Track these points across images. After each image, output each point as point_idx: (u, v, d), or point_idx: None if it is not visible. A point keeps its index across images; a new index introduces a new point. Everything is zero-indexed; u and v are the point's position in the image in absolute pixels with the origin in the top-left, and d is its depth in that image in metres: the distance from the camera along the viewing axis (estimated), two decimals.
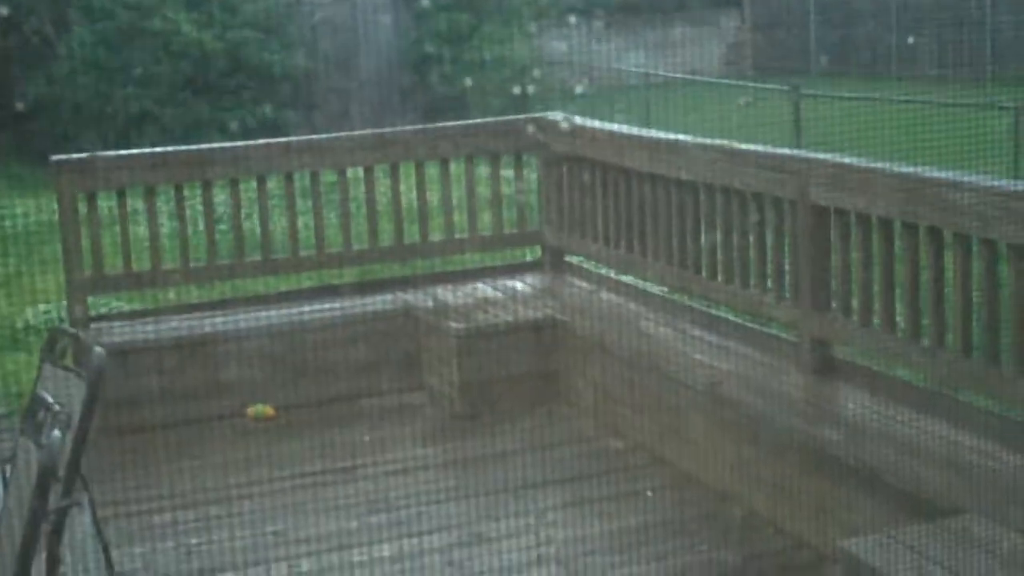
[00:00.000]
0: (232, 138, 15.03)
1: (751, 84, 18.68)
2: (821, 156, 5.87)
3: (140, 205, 7.43)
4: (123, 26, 17.98)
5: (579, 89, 19.16)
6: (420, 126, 9.46)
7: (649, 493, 5.79)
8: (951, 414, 5.14)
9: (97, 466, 5.23)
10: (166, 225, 8.01)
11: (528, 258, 8.09)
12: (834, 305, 5.72)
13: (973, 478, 4.63)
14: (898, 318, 5.38)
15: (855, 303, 5.60)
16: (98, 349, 3.89)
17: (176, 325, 7.15)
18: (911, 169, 5.37)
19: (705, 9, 25.02)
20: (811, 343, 5.80)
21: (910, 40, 21.89)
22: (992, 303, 4.92)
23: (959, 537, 4.19)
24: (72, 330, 5.20)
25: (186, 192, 7.30)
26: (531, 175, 7.90)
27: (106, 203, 7.29)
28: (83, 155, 7.31)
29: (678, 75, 19.75)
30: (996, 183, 5.01)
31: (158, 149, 7.83)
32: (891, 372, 5.63)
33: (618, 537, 5.37)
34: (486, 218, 7.76)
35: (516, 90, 18.06)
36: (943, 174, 5.17)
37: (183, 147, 8.09)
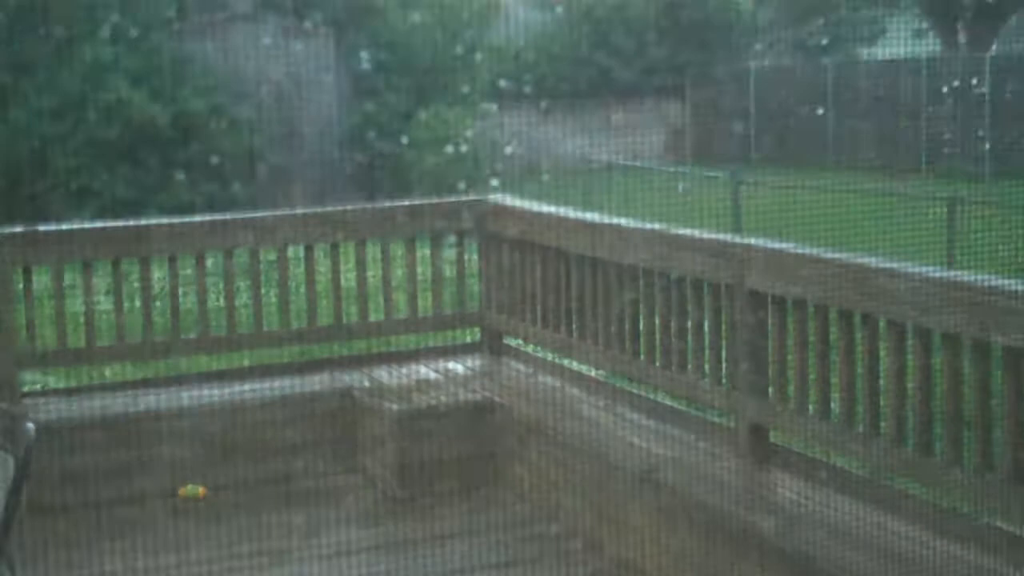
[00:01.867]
0: (172, 212, 14.97)
1: (691, 170, 18.88)
2: (758, 242, 5.92)
3: (77, 280, 7.36)
4: (70, 95, 17.90)
5: (521, 170, 19.28)
6: (362, 205, 9.48)
7: None
8: (886, 501, 5.16)
9: (24, 545, 5.14)
10: (102, 301, 7.93)
11: (467, 340, 8.07)
12: (771, 391, 5.74)
13: (907, 566, 4.64)
14: (833, 405, 5.41)
15: (791, 389, 5.64)
16: (29, 425, 3.84)
17: (109, 402, 7.06)
18: (847, 256, 5.43)
19: (648, 96, 25.32)
20: (748, 429, 5.82)
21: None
22: (926, 392, 4.96)
23: None
24: (3, 405, 5.13)
25: (124, 267, 7.25)
26: (472, 256, 7.91)
27: (42, 278, 7.22)
28: (22, 228, 7.25)
29: (619, 160, 19.92)
30: (931, 272, 5.08)
31: (98, 224, 7.79)
32: (827, 459, 5.64)
33: None
34: (426, 299, 7.76)
35: (458, 172, 18.15)
36: (879, 262, 5.23)
37: (122, 222, 8.04)
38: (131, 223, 7.81)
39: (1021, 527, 4.70)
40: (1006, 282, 4.75)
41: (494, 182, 17.19)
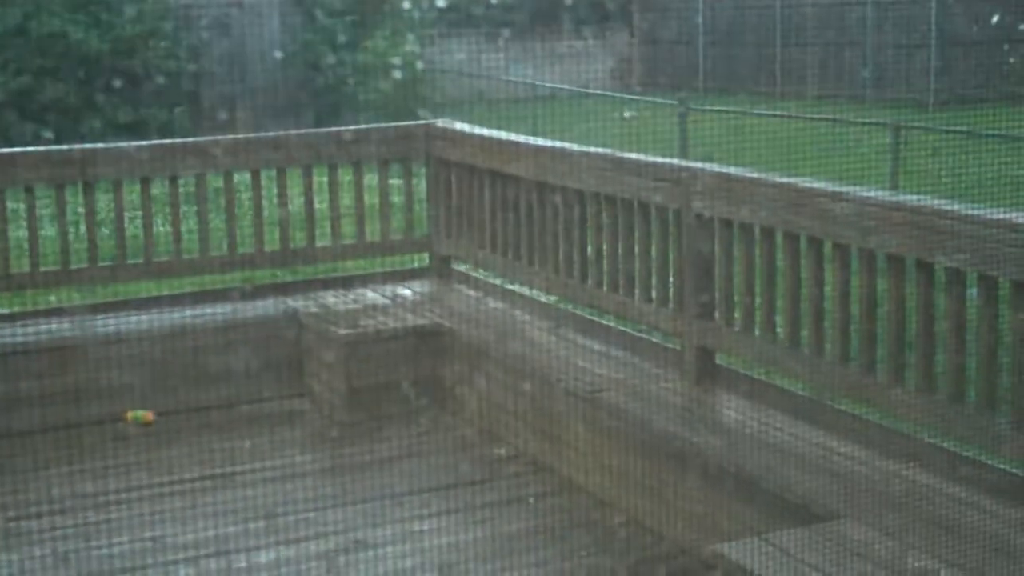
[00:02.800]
0: (116, 140, 14.80)
1: (638, 98, 18.85)
2: (705, 166, 5.94)
3: (20, 206, 7.28)
4: (8, 27, 17.65)
5: (467, 98, 19.19)
6: (308, 131, 9.42)
7: (531, 500, 5.80)
8: (828, 422, 5.23)
9: None
10: (46, 228, 7.86)
11: (415, 265, 8.07)
12: (716, 314, 5.79)
13: (848, 484, 4.71)
14: (779, 327, 5.46)
15: (737, 312, 5.68)
16: None
17: (55, 328, 7.02)
18: (793, 180, 5.46)
19: (594, 24, 25.21)
20: (694, 351, 5.87)
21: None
22: (870, 313, 5.01)
23: (834, 541, 4.26)
24: None
25: (67, 194, 7.17)
26: (420, 182, 7.89)
27: None
28: None
29: (565, 87, 19.85)
30: (875, 194, 5.12)
31: (40, 148, 7.68)
32: (771, 380, 5.71)
33: (499, 543, 5.37)
34: (374, 224, 7.73)
35: (404, 98, 18.03)
36: (824, 185, 5.27)
37: (65, 146, 7.94)
38: (75, 147, 7.70)
39: (962, 445, 4.77)
40: (948, 204, 4.80)
41: (441, 108, 17.09)
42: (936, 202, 4.86)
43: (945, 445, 4.82)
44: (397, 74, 19.17)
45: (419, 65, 20.04)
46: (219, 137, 8.03)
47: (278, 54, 19.48)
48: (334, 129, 8.17)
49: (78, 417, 6.67)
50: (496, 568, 5.15)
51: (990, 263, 4.49)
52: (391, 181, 7.74)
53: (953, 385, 4.66)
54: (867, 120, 14.59)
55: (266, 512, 5.71)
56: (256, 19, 19.94)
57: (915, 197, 5.13)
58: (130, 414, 6.79)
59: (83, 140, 14.02)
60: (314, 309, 7.28)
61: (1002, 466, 4.61)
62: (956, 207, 4.74)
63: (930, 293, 4.80)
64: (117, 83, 17.98)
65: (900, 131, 11.44)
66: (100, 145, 7.86)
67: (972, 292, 4.67)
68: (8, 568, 5.18)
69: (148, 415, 6.81)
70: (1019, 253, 4.41)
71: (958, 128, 11.86)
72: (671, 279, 6.01)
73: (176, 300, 7.48)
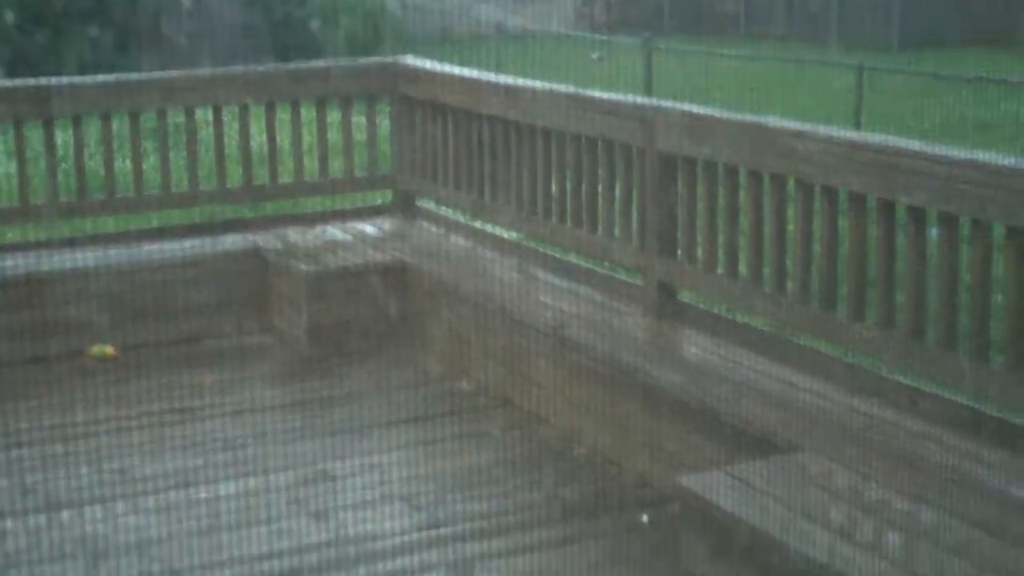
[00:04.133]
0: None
1: (604, 38, 18.80)
2: (669, 104, 5.95)
3: None
4: None
5: (432, 36, 19.09)
6: (271, 66, 9.35)
7: (495, 433, 5.84)
8: (789, 357, 5.28)
9: None
10: (4, 164, 7.79)
11: (379, 202, 8.06)
12: (679, 251, 5.82)
13: (809, 418, 4.77)
14: (741, 264, 5.50)
15: (700, 249, 5.71)
16: None
17: (15, 263, 6.97)
18: (757, 119, 5.48)
19: None
20: (657, 288, 5.90)
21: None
22: (831, 250, 5.05)
23: (795, 473, 4.32)
24: None
25: (27, 131, 7.11)
26: (383, 119, 7.86)
27: None
28: None
29: (531, 27, 19.77)
30: (838, 132, 5.15)
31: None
32: (733, 317, 5.75)
33: (463, 475, 5.41)
34: (337, 161, 7.71)
35: (368, 36, 17.91)
36: (788, 123, 5.29)
37: (23, 81, 7.86)
38: (32, 82, 7.63)
39: (920, 380, 4.84)
40: (910, 143, 4.83)
41: (406, 46, 17.00)
42: (898, 141, 4.89)
43: (905, 380, 4.89)
44: (360, 10, 19.02)
45: (383, 3, 19.90)
46: (180, 72, 7.97)
47: None
48: (298, 66, 8.11)
49: (40, 351, 6.64)
50: (460, 498, 5.20)
51: (951, 201, 4.53)
52: (355, 118, 7.71)
53: (913, 321, 4.72)
54: (831, 61, 14.63)
55: (230, 445, 5.73)
56: None
57: (878, 136, 5.16)
58: (92, 349, 6.77)
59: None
60: (277, 245, 7.27)
61: (960, 400, 4.67)
62: (918, 146, 4.78)
63: (892, 231, 4.84)
64: (74, 18, 17.74)
65: (863, 72, 11.47)
66: (59, 80, 7.75)
67: (932, 232, 4.72)
68: None
69: (110, 349, 6.79)
70: (980, 192, 4.45)
71: (921, 71, 11.92)
72: (635, 216, 6.03)
73: (138, 236, 7.45)
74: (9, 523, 5.04)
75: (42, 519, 5.08)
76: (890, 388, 4.88)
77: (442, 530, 4.94)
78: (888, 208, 4.82)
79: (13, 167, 7.18)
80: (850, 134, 5.31)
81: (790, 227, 5.26)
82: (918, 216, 4.70)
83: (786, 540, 3.89)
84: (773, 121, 5.42)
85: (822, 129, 5.20)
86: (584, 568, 4.63)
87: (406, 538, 4.88)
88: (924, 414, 4.70)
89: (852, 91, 11.20)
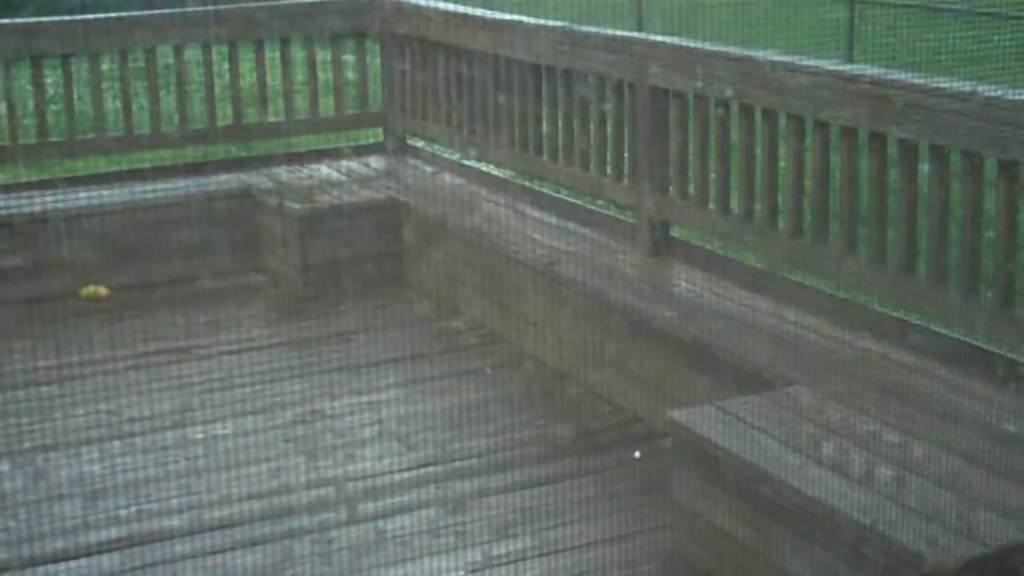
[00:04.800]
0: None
1: None
2: (660, 38, 5.91)
3: None
4: None
5: None
6: (259, 3, 9.26)
7: (488, 371, 5.86)
8: (781, 292, 5.29)
9: None
10: None
11: (370, 140, 8.02)
12: (671, 187, 5.81)
13: (800, 352, 4.79)
14: (733, 199, 5.49)
15: (692, 185, 5.70)
16: None
17: (5, 203, 6.95)
18: (748, 53, 5.45)
19: None
20: (649, 224, 5.90)
21: None
22: (822, 185, 5.05)
23: (786, 407, 4.33)
24: None
25: (14, 70, 7.07)
26: (373, 57, 7.82)
27: None
28: None
29: None
30: (830, 65, 5.12)
31: None
32: (725, 252, 5.75)
33: (457, 413, 5.43)
34: (327, 100, 7.67)
35: None
36: (778, 57, 5.26)
37: (10, 20, 7.80)
38: (20, 21, 7.57)
39: (910, 313, 4.85)
40: (901, 75, 4.81)
41: None
42: (889, 73, 4.87)
43: (895, 314, 4.90)
44: None
45: None
46: (169, 11, 7.90)
47: None
48: (286, 2, 8.04)
49: (33, 292, 6.63)
50: (453, 436, 5.22)
51: (943, 134, 4.52)
52: (345, 56, 7.66)
53: (904, 256, 4.72)
54: None
55: (224, 384, 5.74)
56: None
57: (869, 68, 5.14)
58: (84, 290, 6.77)
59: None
60: (268, 185, 7.25)
61: (950, 333, 4.68)
62: (909, 78, 4.76)
63: (883, 165, 4.83)
64: None
65: (855, 4, 11.40)
66: (47, 19, 7.69)
67: (924, 168, 4.71)
68: None
69: (102, 290, 6.79)
70: (971, 123, 4.44)
71: (913, 3, 11.84)
72: (626, 152, 6.01)
73: (129, 176, 7.42)
74: (5, 464, 5.06)
75: (38, 460, 5.09)
76: (881, 322, 4.89)
77: (435, 468, 4.96)
78: (879, 141, 4.81)
79: (3, 107, 7.14)
80: (841, 67, 5.28)
81: (782, 162, 5.25)
82: (909, 149, 4.69)
83: (777, 473, 3.91)
84: (764, 54, 5.39)
85: (812, 62, 5.17)
86: (577, 504, 4.66)
87: (400, 476, 4.90)
88: (914, 347, 4.71)
89: (844, 24, 11.14)
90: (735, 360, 4.77)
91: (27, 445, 5.23)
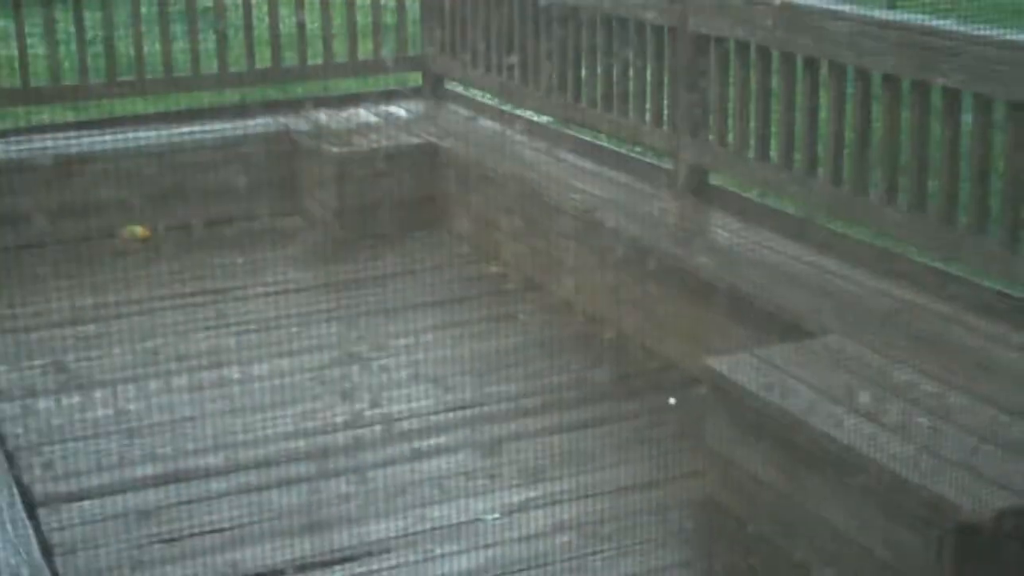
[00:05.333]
0: None
1: None
2: None
3: (9, 24, 7.18)
4: None
5: None
6: None
7: (520, 316, 5.86)
8: (819, 241, 5.26)
9: None
10: (36, 45, 7.76)
11: (409, 84, 8.00)
12: (711, 134, 5.78)
13: (838, 302, 4.77)
14: (772, 147, 5.45)
15: (731, 133, 5.67)
16: None
17: (48, 144, 6.99)
18: None
19: None
20: (687, 170, 5.87)
21: None
22: (863, 134, 5.01)
23: (822, 356, 4.32)
24: None
25: (56, 12, 7.08)
26: (413, 1, 7.79)
27: None
28: None
29: None
30: (871, 12, 5.07)
31: None
32: (764, 201, 5.72)
33: (492, 357, 5.44)
34: (367, 43, 7.66)
35: None
36: (820, 3, 5.21)
37: None
38: None
39: (950, 264, 4.82)
40: (944, 23, 4.75)
41: None
42: (932, 21, 4.81)
43: (935, 264, 4.87)
44: None
45: None
46: None
47: None
48: None
49: (73, 232, 6.66)
50: (488, 380, 5.23)
51: (986, 83, 4.47)
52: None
53: (945, 206, 4.68)
54: None
55: (261, 326, 5.78)
56: None
57: (912, 16, 5.07)
58: (125, 230, 6.80)
59: None
60: (306, 127, 7.25)
61: (989, 284, 4.65)
62: (952, 25, 4.70)
63: (925, 114, 4.78)
64: None
65: None
66: None
67: (967, 119, 4.66)
68: (7, 377, 5.25)
69: (143, 230, 6.82)
70: (1015, 72, 4.39)
71: None
72: (666, 99, 5.98)
73: (168, 118, 7.44)
74: (45, 402, 5.11)
75: (76, 398, 5.15)
76: (920, 272, 4.87)
77: (470, 410, 4.98)
78: (922, 90, 4.76)
79: (43, 48, 7.16)
80: (883, 14, 5.22)
81: (822, 111, 5.21)
82: (952, 98, 4.64)
83: (812, 422, 3.90)
84: (806, 1, 5.33)
85: (855, 9, 5.12)
86: (610, 449, 4.67)
87: (434, 418, 4.92)
88: (954, 298, 4.68)
89: None
90: (772, 308, 4.76)
91: (69, 381, 5.28)
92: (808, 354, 4.35)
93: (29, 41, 7.08)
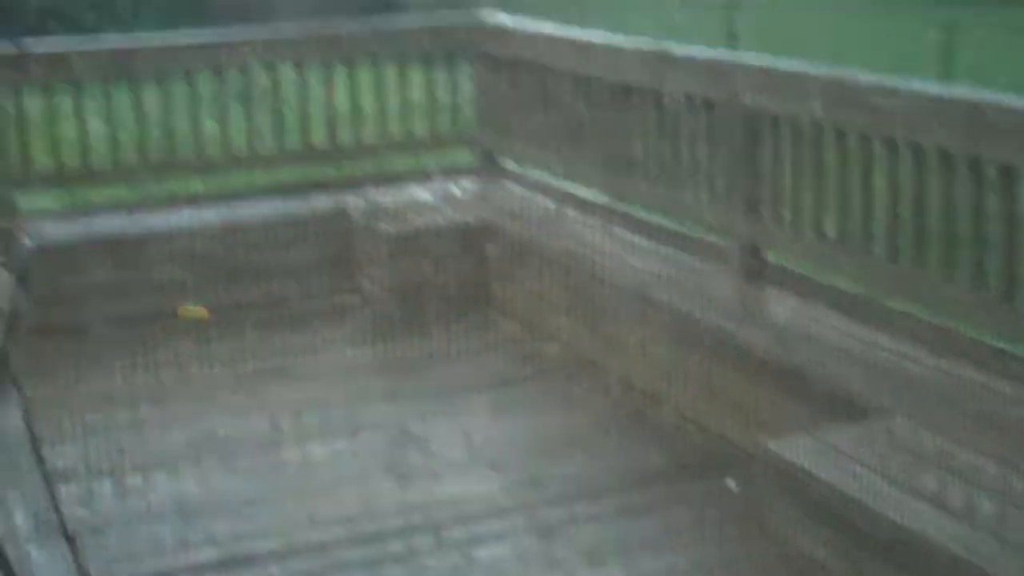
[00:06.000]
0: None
1: None
2: (753, 59, 5.88)
3: (68, 101, 7.29)
4: None
5: None
6: (354, 24, 9.35)
7: (578, 395, 5.84)
8: (878, 318, 5.22)
9: (29, 364, 5.19)
10: (94, 123, 7.89)
11: (462, 162, 8.05)
12: (765, 211, 5.76)
13: (898, 381, 4.72)
14: (827, 223, 5.42)
15: (786, 209, 5.65)
16: (26, 241, 3.86)
17: (108, 223, 7.08)
18: (841, 73, 5.40)
19: None
20: (741, 248, 5.85)
21: None
22: (919, 209, 4.97)
23: (882, 437, 4.28)
24: None
25: (115, 91, 7.20)
26: (465, 78, 7.85)
27: (33, 99, 7.17)
28: (8, 46, 7.16)
29: None
30: (925, 87, 5.05)
31: (87, 42, 7.68)
32: (820, 277, 5.69)
33: (547, 438, 5.42)
34: (421, 120, 7.72)
35: None
36: (873, 78, 5.20)
37: (111, 43, 7.95)
38: (120, 42, 7.71)
39: (1011, 342, 4.76)
40: (999, 97, 4.73)
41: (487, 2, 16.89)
42: (987, 95, 4.79)
43: (996, 343, 4.81)
44: None
45: None
46: (264, 30, 8.01)
47: None
48: (381, 24, 8.12)
49: (132, 312, 6.72)
50: (544, 462, 5.21)
51: None
52: (438, 77, 7.70)
53: (1005, 282, 4.63)
54: (921, 14, 14.38)
55: (319, 406, 5.79)
56: None
57: (966, 90, 5.05)
58: (183, 309, 6.86)
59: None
60: (361, 205, 7.30)
61: None
62: (1007, 100, 4.67)
63: (982, 189, 4.75)
64: None
65: (953, 26, 11.26)
66: (145, 40, 7.82)
67: None
68: (66, 459, 5.28)
69: (202, 310, 6.88)
70: None
71: (1014, 25, 11.66)
72: (720, 175, 5.97)
73: (225, 197, 7.52)
74: (103, 483, 5.14)
75: (136, 479, 5.17)
76: (981, 350, 4.81)
77: (525, 493, 4.95)
78: (977, 166, 4.73)
79: (102, 128, 7.26)
80: (937, 88, 5.20)
81: (877, 185, 5.18)
82: (1009, 174, 4.61)
83: (873, 505, 3.86)
84: (858, 76, 5.33)
85: (908, 83, 5.11)
86: (668, 532, 4.63)
87: (490, 501, 4.90)
88: (1016, 377, 4.62)
89: (942, 46, 11.00)
90: (830, 387, 4.72)
91: (126, 463, 5.30)
92: (868, 435, 4.31)
93: (88, 118, 7.18)
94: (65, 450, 5.34)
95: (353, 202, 7.35)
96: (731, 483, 4.89)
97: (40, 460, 4.38)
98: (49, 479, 4.63)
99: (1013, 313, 4.60)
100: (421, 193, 7.56)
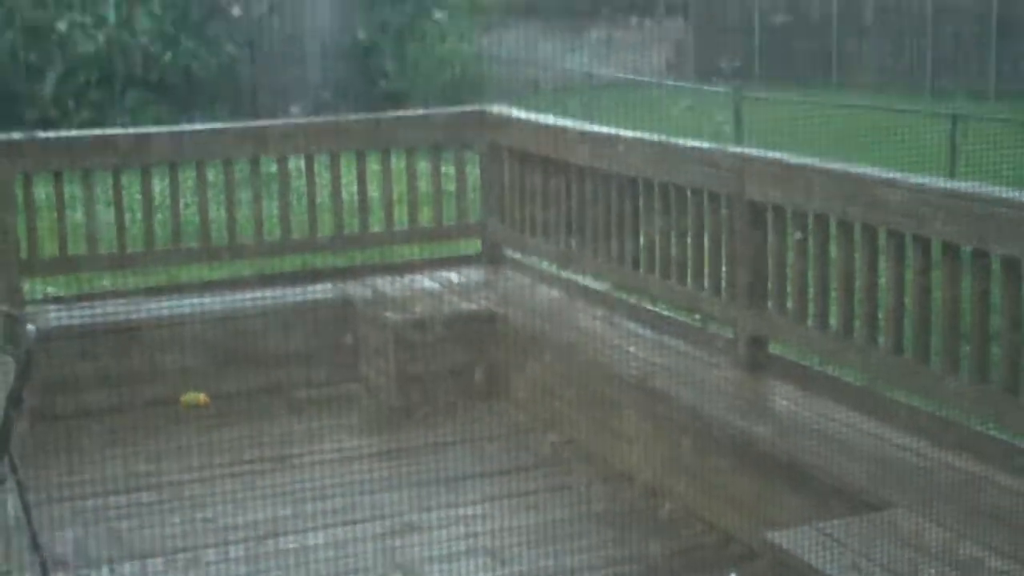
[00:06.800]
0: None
1: (694, 86, 18.77)
2: (758, 153, 5.91)
3: (77, 189, 7.35)
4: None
5: (521, 86, 19.18)
6: (361, 115, 9.44)
7: (581, 488, 5.80)
8: (881, 411, 5.20)
9: (28, 450, 5.18)
10: (103, 212, 7.94)
11: (468, 251, 8.08)
12: (769, 302, 5.76)
13: (901, 474, 4.69)
14: (831, 315, 5.43)
15: (790, 300, 5.65)
16: (30, 327, 3.86)
17: (111, 310, 7.08)
18: (846, 167, 5.43)
19: (650, 12, 25.06)
20: (746, 339, 5.84)
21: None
22: (923, 301, 4.97)
23: (886, 531, 4.23)
24: (3, 308, 5.15)
25: (124, 179, 7.25)
26: (472, 168, 7.90)
27: (43, 187, 7.23)
28: (21, 135, 7.22)
29: (621, 75, 19.79)
30: (929, 181, 5.08)
31: (97, 131, 7.75)
32: (824, 369, 5.67)
33: (549, 529, 5.38)
34: (426, 210, 7.76)
35: (458, 87, 18.05)
36: (878, 172, 5.23)
37: (121, 130, 8.02)
38: (130, 130, 7.78)
39: (1015, 435, 4.73)
40: (1005, 191, 4.75)
41: (495, 95, 17.07)
42: (991, 189, 4.81)
43: (999, 436, 4.78)
44: (450, 61, 19.18)
45: (472, 52, 20.04)
46: (273, 122, 8.08)
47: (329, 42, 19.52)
48: (387, 115, 8.19)
49: (133, 399, 6.72)
50: (544, 553, 5.16)
51: None
52: (444, 168, 7.75)
53: (1009, 376, 4.62)
54: (925, 109, 14.48)
55: (319, 494, 5.75)
56: (311, 7, 19.96)
57: (970, 185, 5.07)
58: (185, 397, 6.85)
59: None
60: (366, 294, 7.31)
61: None
62: (1012, 194, 4.69)
63: (986, 282, 4.75)
64: (165, 78, 17.94)
65: (958, 121, 11.33)
66: (156, 130, 7.91)
67: None
68: (64, 545, 5.24)
69: (202, 398, 6.87)
70: None
71: (1018, 119, 11.73)
72: (724, 267, 5.99)
73: (230, 284, 7.54)
74: (100, 572, 5.09)
75: (132, 567, 5.12)
76: (985, 443, 4.78)
77: None
78: (982, 258, 4.74)
79: (112, 215, 7.30)
80: (941, 182, 5.23)
81: (882, 278, 5.19)
82: (1013, 267, 4.61)
83: None
84: (863, 169, 5.36)
85: (913, 177, 5.13)
86: None
87: None
88: (1020, 470, 4.59)
89: (946, 140, 11.06)
90: (833, 480, 4.68)
91: (125, 551, 5.26)
92: (871, 528, 4.27)
93: (97, 206, 7.23)
94: (63, 536, 5.30)
95: (358, 290, 7.36)
96: None
97: (36, 547, 4.36)
98: (46, 567, 4.60)
99: (1017, 405, 4.58)
100: (426, 281, 7.57)
